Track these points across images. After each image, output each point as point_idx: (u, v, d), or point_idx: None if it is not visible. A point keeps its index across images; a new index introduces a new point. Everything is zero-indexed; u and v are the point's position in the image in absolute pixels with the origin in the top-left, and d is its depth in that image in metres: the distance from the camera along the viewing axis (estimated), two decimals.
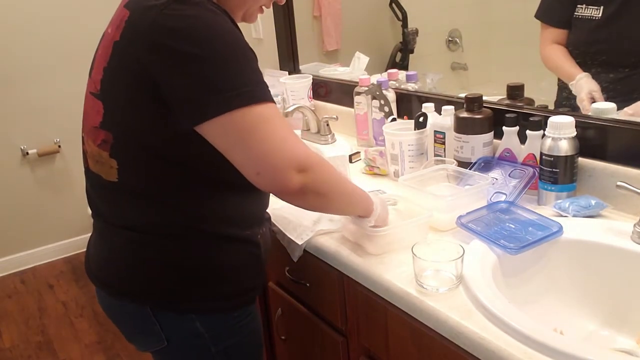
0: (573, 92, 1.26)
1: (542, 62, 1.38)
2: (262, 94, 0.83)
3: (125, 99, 0.88)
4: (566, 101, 1.31)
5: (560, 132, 1.09)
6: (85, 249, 1.08)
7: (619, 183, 1.00)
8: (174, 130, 0.86)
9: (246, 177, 0.84)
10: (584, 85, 1.24)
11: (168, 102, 0.84)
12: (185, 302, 0.97)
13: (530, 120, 1.16)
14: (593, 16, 1.24)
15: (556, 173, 1.10)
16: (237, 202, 0.97)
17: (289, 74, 2.03)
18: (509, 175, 1.18)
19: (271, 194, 0.91)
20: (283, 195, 0.87)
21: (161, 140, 0.88)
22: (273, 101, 0.86)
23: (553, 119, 1.09)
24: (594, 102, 1.21)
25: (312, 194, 0.88)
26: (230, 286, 1.00)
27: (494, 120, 1.24)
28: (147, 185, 0.92)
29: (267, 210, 1.13)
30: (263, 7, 1.01)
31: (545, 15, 1.36)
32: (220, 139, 0.84)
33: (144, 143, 0.90)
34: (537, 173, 1.15)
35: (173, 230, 0.94)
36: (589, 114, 1.18)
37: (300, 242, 1.15)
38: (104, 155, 0.93)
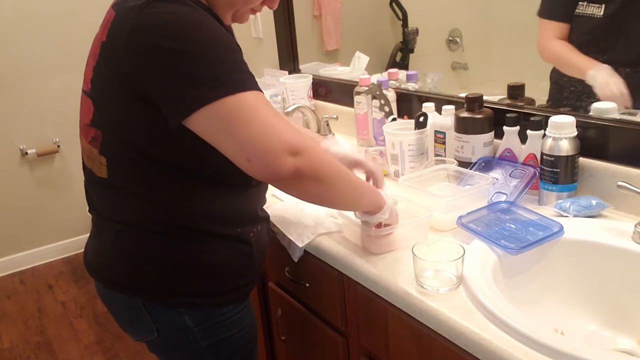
0: (591, 84, 1.21)
1: (543, 61, 1.37)
2: (245, 83, 0.82)
3: (112, 98, 0.89)
4: (566, 101, 1.31)
5: (561, 132, 1.08)
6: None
7: (619, 183, 0.99)
8: (160, 129, 0.85)
9: (239, 166, 0.83)
10: (609, 81, 1.19)
11: (153, 100, 0.84)
12: (171, 296, 0.98)
13: (530, 120, 1.16)
14: (594, 14, 1.23)
15: (557, 173, 1.10)
16: (225, 201, 0.97)
17: (289, 74, 2.03)
18: (510, 175, 1.18)
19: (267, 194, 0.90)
20: (278, 182, 0.84)
21: (148, 139, 0.89)
22: (258, 89, 0.84)
23: (554, 119, 1.09)
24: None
25: (310, 179, 0.85)
26: (217, 283, 1.00)
27: (495, 120, 1.24)
28: (135, 183, 0.94)
29: (267, 210, 1.13)
30: (255, 9, 0.99)
31: (548, 10, 1.34)
32: (207, 131, 0.83)
33: (131, 142, 0.90)
34: (537, 173, 1.15)
35: (161, 227, 0.95)
36: (590, 113, 1.18)
37: (300, 245, 1.15)
38: (94, 152, 0.95)
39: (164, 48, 0.80)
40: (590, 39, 1.27)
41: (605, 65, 1.20)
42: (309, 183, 0.86)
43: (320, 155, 0.87)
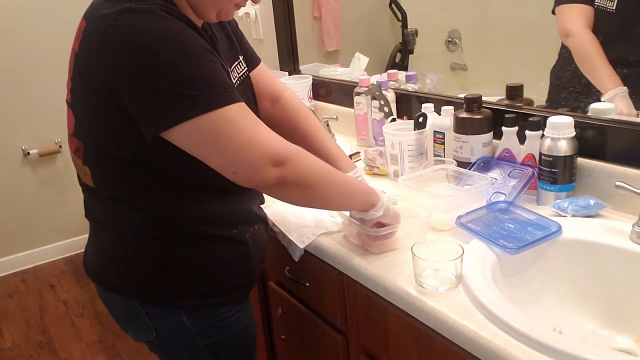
0: (603, 100, 1.18)
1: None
2: (222, 96, 0.82)
3: (89, 108, 0.89)
4: (565, 101, 1.31)
5: (559, 133, 1.09)
6: None
7: (617, 183, 1.00)
8: (138, 138, 0.85)
9: (226, 177, 0.85)
10: (617, 104, 1.16)
11: (129, 110, 0.84)
12: (168, 298, 0.98)
13: (529, 120, 1.17)
14: (607, 7, 1.19)
15: (555, 173, 1.11)
16: (215, 203, 0.97)
17: (289, 75, 2.03)
18: (508, 175, 1.19)
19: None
20: (264, 190, 0.88)
21: (127, 148, 0.89)
22: (238, 100, 0.84)
23: (552, 119, 1.10)
24: None
25: (294, 186, 0.88)
26: (215, 284, 1.01)
27: (493, 121, 1.24)
28: (120, 191, 0.94)
29: (267, 210, 1.13)
30: (239, 4, 0.96)
31: None
32: (189, 145, 0.84)
33: (112, 151, 0.90)
34: (536, 173, 1.16)
35: (154, 231, 0.95)
36: (589, 114, 1.18)
37: (301, 246, 1.15)
38: (79, 162, 0.95)
39: (135, 63, 0.79)
40: (602, 34, 1.21)
41: (623, 89, 1.16)
42: (294, 189, 0.88)
43: (305, 161, 0.89)
